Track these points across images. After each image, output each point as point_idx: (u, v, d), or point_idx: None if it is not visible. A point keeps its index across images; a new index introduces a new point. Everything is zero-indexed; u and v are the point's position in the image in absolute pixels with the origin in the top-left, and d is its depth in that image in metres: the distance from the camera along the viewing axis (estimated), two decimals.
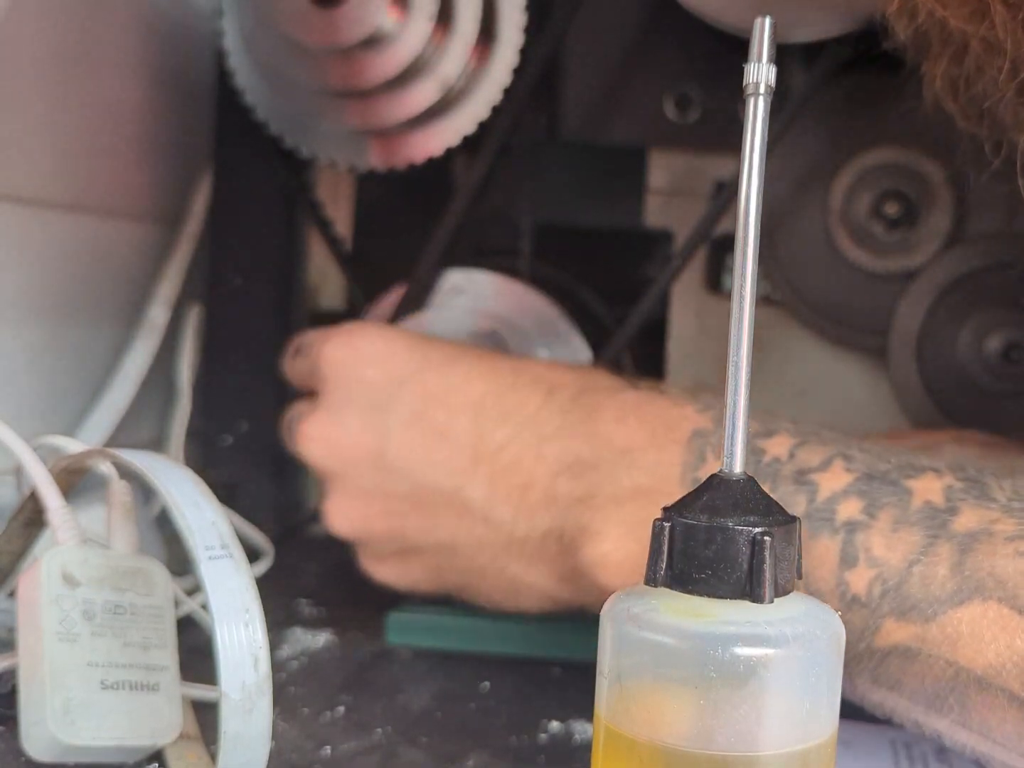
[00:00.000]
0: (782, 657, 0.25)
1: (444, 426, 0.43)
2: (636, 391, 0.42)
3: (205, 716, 0.38)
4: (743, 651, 0.25)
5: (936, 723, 0.35)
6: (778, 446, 0.38)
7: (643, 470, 0.39)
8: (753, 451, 0.37)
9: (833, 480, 0.36)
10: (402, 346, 0.45)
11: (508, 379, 0.43)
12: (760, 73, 0.26)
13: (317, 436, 0.44)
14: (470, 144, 0.53)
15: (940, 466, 0.36)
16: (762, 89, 0.26)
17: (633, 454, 0.40)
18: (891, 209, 0.55)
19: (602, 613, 0.27)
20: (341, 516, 0.45)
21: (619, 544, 0.39)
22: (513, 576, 0.43)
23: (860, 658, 0.35)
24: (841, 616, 0.33)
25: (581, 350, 0.55)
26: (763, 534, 0.25)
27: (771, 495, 0.34)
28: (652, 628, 0.25)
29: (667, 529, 0.26)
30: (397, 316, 0.54)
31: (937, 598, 0.33)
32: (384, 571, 0.46)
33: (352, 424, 0.44)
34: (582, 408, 0.42)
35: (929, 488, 0.35)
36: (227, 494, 0.59)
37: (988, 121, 0.38)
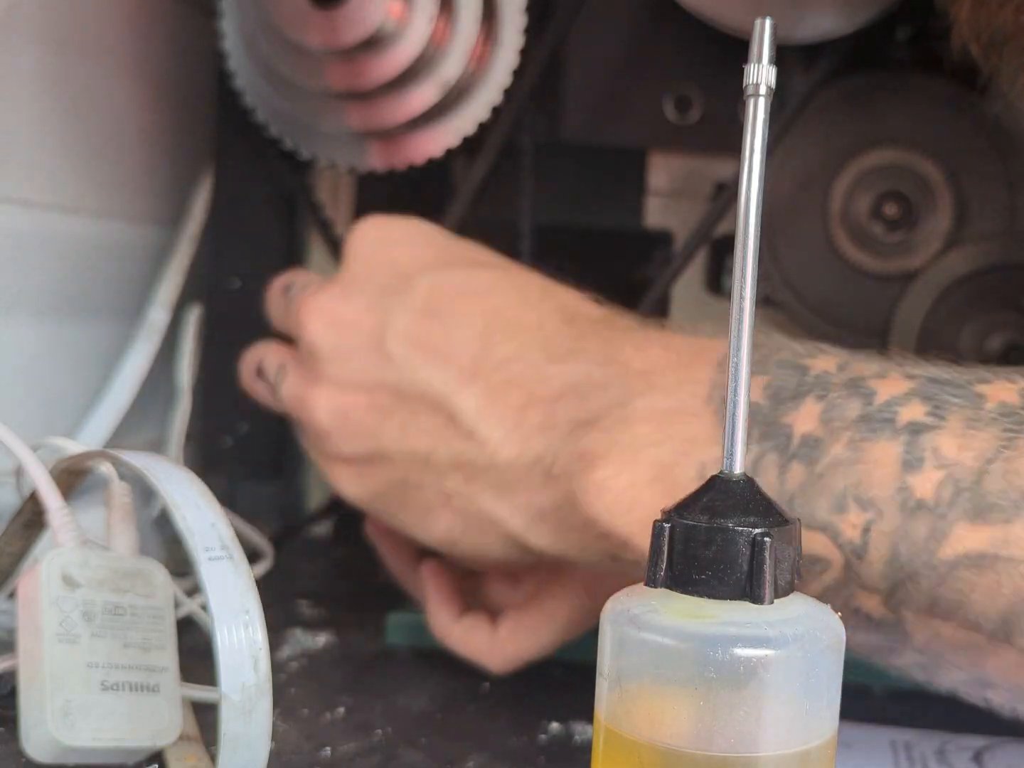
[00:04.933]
0: (782, 658, 0.25)
1: (452, 328, 0.40)
2: (659, 329, 0.39)
3: (205, 717, 0.38)
4: (743, 652, 0.25)
5: (998, 658, 0.31)
6: (824, 361, 0.35)
7: (662, 390, 0.36)
8: (796, 367, 0.35)
9: (892, 385, 0.33)
10: (439, 237, 0.43)
11: (532, 297, 0.40)
12: (760, 74, 0.26)
13: (322, 308, 0.41)
14: (470, 145, 0.53)
15: (1011, 373, 0.33)
16: (762, 90, 0.26)
17: (652, 376, 0.36)
18: (891, 210, 0.55)
19: (602, 614, 0.27)
20: (323, 399, 0.41)
21: (623, 469, 0.35)
22: (480, 508, 0.39)
23: (916, 577, 0.31)
24: (901, 525, 0.31)
25: None
26: (763, 535, 0.25)
27: (820, 403, 0.32)
28: (652, 629, 0.25)
29: (667, 530, 0.26)
30: None
31: (1022, 493, 0.30)
32: (341, 473, 0.42)
33: (361, 302, 0.41)
34: (601, 335, 0.39)
35: (1003, 390, 0.32)
36: (227, 495, 0.59)
37: (1007, 56, 0.38)
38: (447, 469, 0.39)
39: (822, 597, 0.33)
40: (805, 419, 0.33)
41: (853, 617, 0.33)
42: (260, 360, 0.46)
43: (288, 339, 0.45)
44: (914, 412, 0.32)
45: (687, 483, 0.32)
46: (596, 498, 0.35)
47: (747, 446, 0.32)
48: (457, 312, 0.40)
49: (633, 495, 0.35)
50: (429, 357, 0.40)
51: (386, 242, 0.43)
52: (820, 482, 0.33)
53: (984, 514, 0.30)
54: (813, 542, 0.32)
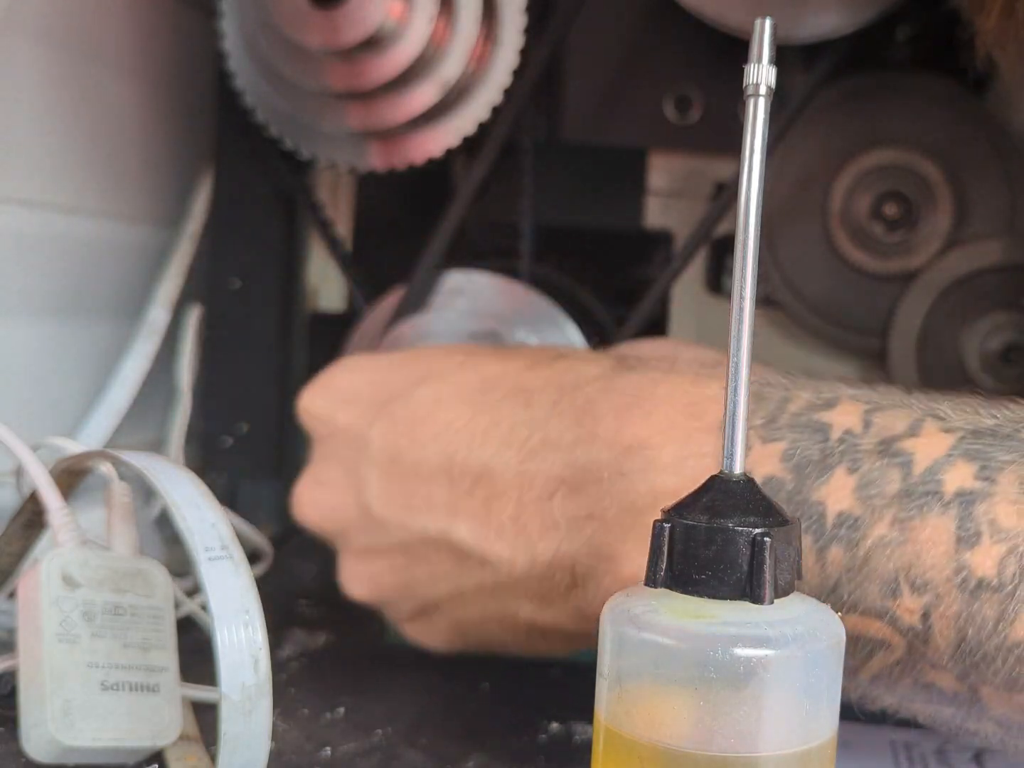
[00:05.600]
0: (782, 658, 0.25)
1: (417, 464, 0.38)
2: (634, 374, 0.36)
3: (205, 717, 0.38)
4: (743, 652, 0.25)
5: None
6: (846, 415, 0.31)
7: (663, 470, 0.33)
8: (815, 427, 0.32)
9: (930, 445, 0.30)
10: (367, 379, 0.42)
11: (477, 397, 0.38)
12: (760, 74, 0.26)
13: (307, 501, 0.42)
14: (470, 145, 0.53)
15: None
16: (762, 90, 0.26)
17: (646, 451, 0.33)
18: (891, 210, 0.55)
19: (602, 614, 0.27)
20: (353, 580, 0.41)
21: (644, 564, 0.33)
22: (529, 620, 0.38)
23: (990, 659, 0.29)
24: (964, 608, 0.29)
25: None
26: (763, 535, 0.25)
27: (853, 476, 0.29)
28: (652, 629, 0.25)
29: (667, 530, 0.26)
30: (396, 317, 0.54)
31: None
32: (416, 632, 0.42)
33: (336, 482, 0.41)
34: (569, 410, 0.36)
35: None
36: (227, 495, 0.59)
37: None
38: (483, 598, 0.38)
39: (888, 676, 0.31)
40: (838, 495, 0.31)
41: (924, 692, 0.31)
42: None
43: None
44: (961, 477, 0.29)
45: None
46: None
47: None
48: (415, 447, 0.38)
49: None
50: (411, 505, 0.38)
51: (330, 409, 0.42)
52: (867, 566, 0.30)
53: None
54: (870, 627, 0.30)
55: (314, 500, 0.41)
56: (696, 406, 0.34)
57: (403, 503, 0.39)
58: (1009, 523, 0.29)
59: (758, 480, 0.30)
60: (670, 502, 0.31)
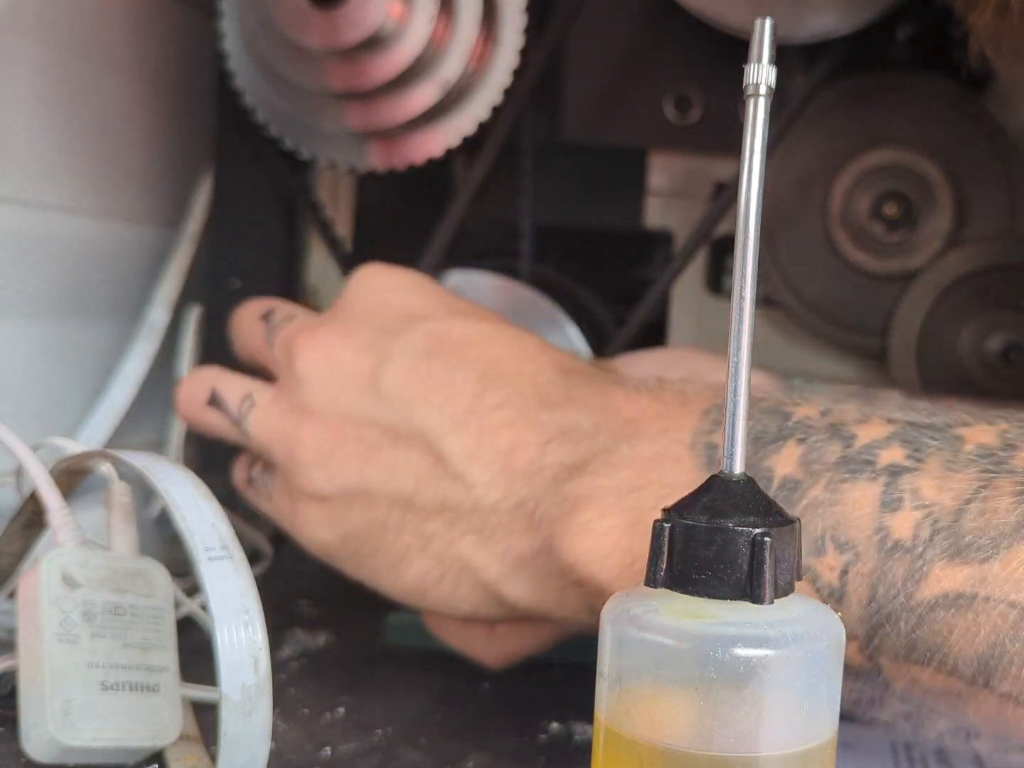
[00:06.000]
0: (782, 658, 0.25)
1: (450, 372, 0.39)
2: (663, 383, 0.39)
3: (205, 717, 0.38)
4: (743, 652, 0.25)
5: (978, 704, 0.31)
6: (808, 409, 0.35)
7: (647, 437, 0.36)
8: (780, 413, 0.35)
9: (873, 429, 0.33)
10: (439, 290, 0.43)
11: (530, 350, 0.40)
12: (760, 74, 0.26)
13: (319, 343, 0.41)
14: (470, 145, 0.53)
15: (993, 416, 0.33)
16: (762, 90, 0.26)
17: (639, 423, 0.37)
18: (891, 210, 0.55)
19: (602, 614, 0.27)
20: (308, 430, 0.40)
21: (604, 514, 0.35)
22: (459, 553, 0.39)
23: (894, 619, 0.31)
24: (878, 566, 0.31)
25: (582, 351, 0.55)
26: (763, 535, 0.25)
27: (801, 446, 0.32)
28: (652, 629, 0.25)
29: (667, 530, 0.26)
30: None
31: (1000, 532, 0.30)
32: (312, 514, 0.41)
33: (359, 341, 0.41)
34: (594, 385, 0.39)
35: (982, 432, 0.32)
36: (227, 495, 0.59)
37: None
38: (430, 511, 0.39)
39: None
40: (785, 462, 0.33)
41: None
42: (212, 388, 0.44)
43: (243, 367, 0.44)
44: (893, 455, 0.32)
45: None
46: (575, 542, 0.35)
47: None
48: (455, 358, 0.40)
49: (612, 540, 0.35)
50: (424, 398, 0.39)
51: (387, 288, 0.42)
52: None
53: (962, 553, 0.30)
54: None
55: (326, 343, 0.41)
56: (693, 400, 0.37)
57: (416, 393, 0.39)
58: (929, 494, 0.31)
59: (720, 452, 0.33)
60: (643, 466, 0.35)
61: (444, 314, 0.41)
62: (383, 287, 0.43)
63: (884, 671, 0.32)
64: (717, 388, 0.37)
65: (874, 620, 0.31)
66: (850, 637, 0.32)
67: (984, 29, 0.39)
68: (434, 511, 0.39)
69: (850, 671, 0.33)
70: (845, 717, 0.27)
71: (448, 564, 0.39)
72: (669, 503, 0.33)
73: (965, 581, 0.30)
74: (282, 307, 0.45)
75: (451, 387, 0.39)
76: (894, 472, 0.32)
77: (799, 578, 0.27)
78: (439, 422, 0.39)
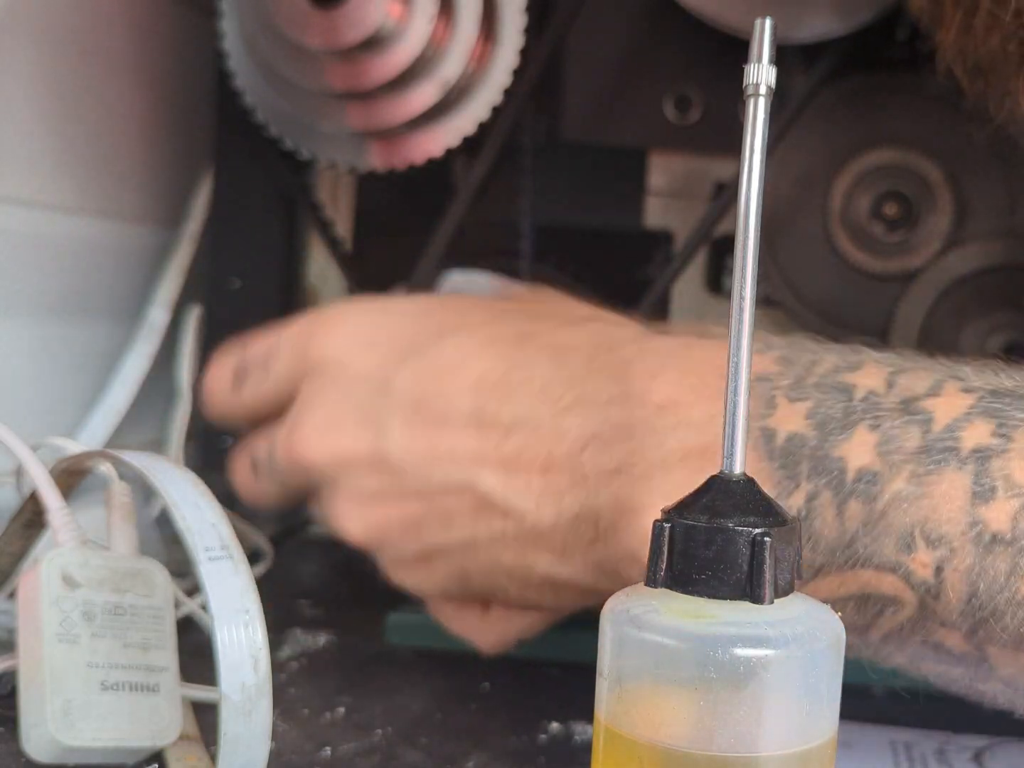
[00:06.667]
0: (782, 658, 0.25)
1: (444, 413, 0.38)
2: (669, 337, 0.37)
3: (205, 717, 0.38)
4: (743, 652, 0.25)
5: None
6: (870, 377, 0.32)
7: (693, 427, 0.34)
8: (840, 388, 0.32)
9: (950, 405, 0.31)
10: (386, 322, 0.41)
11: (511, 351, 0.38)
12: (760, 74, 0.26)
13: (316, 443, 0.40)
14: (470, 145, 0.53)
15: None
16: (762, 90, 0.26)
17: (678, 409, 0.34)
18: (891, 210, 0.55)
19: (602, 614, 0.27)
20: (352, 522, 0.40)
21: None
22: (545, 573, 0.38)
23: (999, 615, 0.30)
24: (977, 562, 0.29)
25: None
26: (763, 535, 0.25)
27: (874, 433, 0.30)
28: (652, 629, 0.25)
29: (667, 530, 0.26)
30: None
31: None
32: (408, 577, 0.41)
33: (348, 424, 0.39)
34: (604, 369, 0.36)
35: None
36: (227, 495, 0.59)
37: (993, 82, 0.38)
38: (498, 549, 0.38)
39: (898, 634, 0.32)
40: (859, 451, 0.31)
41: (933, 652, 0.32)
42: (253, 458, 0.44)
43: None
44: (979, 435, 0.30)
45: None
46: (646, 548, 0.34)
47: (797, 483, 0.31)
48: (443, 396, 0.38)
49: None
50: (435, 453, 0.38)
51: (347, 351, 0.41)
52: (883, 520, 0.31)
53: None
54: (882, 583, 0.31)
55: (320, 441, 0.40)
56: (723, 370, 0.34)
57: (426, 452, 0.38)
58: (1023, 479, 0.29)
59: (783, 436, 0.32)
60: (697, 460, 0.33)
61: (410, 352, 0.39)
62: (340, 353, 0.40)
63: (989, 658, 0.31)
64: (764, 337, 0.35)
65: (978, 615, 0.30)
66: (952, 627, 0.31)
67: (950, 47, 0.38)
68: (502, 546, 0.38)
69: (952, 656, 0.32)
70: (845, 716, 0.27)
71: (541, 582, 0.38)
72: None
73: None
74: (250, 357, 0.43)
75: (453, 430, 0.38)
76: (982, 457, 0.30)
77: (799, 578, 0.27)
78: (460, 469, 0.38)
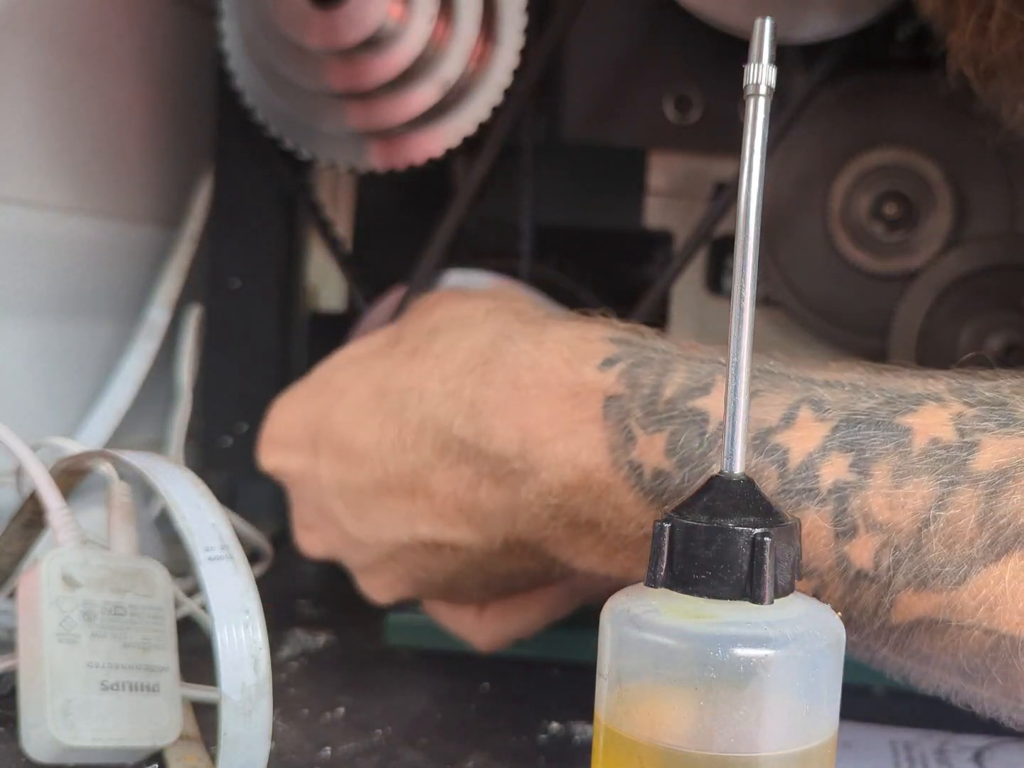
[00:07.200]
0: (782, 658, 0.25)
1: (361, 489, 0.40)
2: (512, 349, 0.36)
3: (205, 717, 0.38)
4: (743, 652, 0.25)
5: (976, 691, 0.30)
6: (720, 402, 0.30)
7: (562, 464, 0.34)
8: (692, 418, 0.32)
9: (805, 438, 0.30)
10: (295, 417, 0.44)
11: (376, 405, 0.40)
12: (760, 74, 0.26)
13: (305, 543, 0.44)
14: (470, 145, 0.53)
15: (940, 391, 0.30)
16: (762, 90, 0.26)
17: (543, 447, 0.34)
18: (891, 210, 0.55)
19: (602, 614, 0.27)
20: (373, 590, 0.43)
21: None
22: (520, 567, 0.38)
23: (877, 634, 0.30)
24: (846, 594, 0.30)
25: None
26: (763, 535, 0.25)
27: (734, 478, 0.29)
28: (652, 629, 0.25)
29: (667, 530, 0.26)
30: (396, 317, 0.54)
31: (966, 557, 0.28)
32: (377, 589, 0.43)
33: (315, 521, 0.43)
34: (464, 402, 0.37)
35: (932, 422, 0.29)
36: (227, 495, 0.59)
37: (1007, 85, 0.38)
38: (473, 569, 0.39)
39: None
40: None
41: None
42: None
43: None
44: (836, 469, 0.29)
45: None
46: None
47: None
48: (352, 473, 0.40)
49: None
50: (377, 524, 0.40)
51: (281, 462, 0.44)
52: None
53: (928, 581, 0.28)
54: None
55: (309, 542, 0.44)
56: (577, 397, 0.34)
57: (370, 524, 0.40)
58: (883, 516, 0.29)
59: (649, 473, 0.32)
60: (578, 496, 0.34)
61: (313, 441, 0.42)
62: (278, 464, 0.44)
63: (877, 657, 0.32)
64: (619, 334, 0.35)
65: (856, 636, 0.31)
66: None
67: (962, 49, 0.38)
68: (474, 566, 0.39)
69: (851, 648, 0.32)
70: (845, 716, 0.27)
71: (512, 576, 0.40)
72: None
73: (936, 609, 0.29)
74: None
75: (376, 501, 0.40)
76: (841, 495, 0.29)
77: (799, 578, 0.27)
78: (400, 530, 0.39)
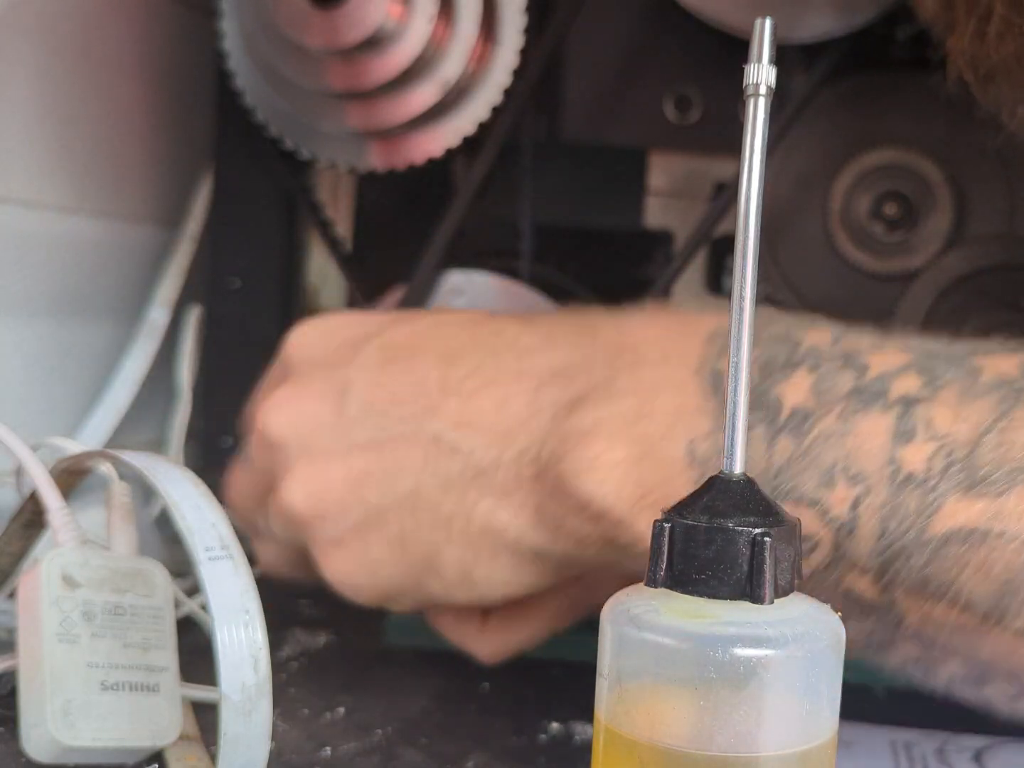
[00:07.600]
0: (782, 658, 0.25)
1: (410, 364, 0.38)
2: (638, 312, 0.38)
3: (205, 717, 0.38)
4: (743, 652, 0.25)
5: (992, 641, 0.30)
6: (818, 336, 0.34)
7: (649, 364, 0.34)
8: (787, 340, 0.34)
9: (886, 358, 0.32)
10: (370, 317, 0.43)
11: (480, 319, 0.40)
12: (760, 74, 0.26)
13: (280, 405, 0.40)
14: (470, 145, 0.53)
15: (1014, 346, 0.32)
16: (762, 90, 0.26)
17: (637, 349, 0.35)
18: (891, 210, 0.55)
19: (602, 614, 0.27)
20: (297, 488, 0.39)
21: (610, 446, 0.33)
22: (483, 522, 0.37)
23: (907, 553, 0.30)
24: (890, 499, 0.30)
25: None
26: (763, 535, 0.25)
27: (812, 375, 0.32)
28: (652, 629, 0.25)
29: (667, 530, 0.26)
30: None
31: (1017, 465, 0.29)
32: (341, 562, 0.39)
33: (315, 386, 0.40)
34: (573, 324, 0.38)
35: (1001, 363, 0.31)
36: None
37: (1006, 90, 0.38)
38: (439, 495, 0.37)
39: (811, 579, 0.32)
40: (795, 391, 0.33)
41: (844, 602, 0.33)
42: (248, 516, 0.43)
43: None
44: (907, 385, 0.31)
45: (675, 460, 0.33)
46: (587, 478, 0.34)
47: None
48: (409, 352, 0.39)
49: (622, 472, 0.33)
50: (393, 400, 0.38)
51: (323, 333, 0.41)
52: (808, 456, 0.32)
53: (976, 487, 0.29)
54: (800, 519, 0.31)
55: (285, 402, 0.40)
56: (694, 324, 0.36)
57: (386, 396, 0.38)
58: (943, 426, 0.30)
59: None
60: (648, 393, 0.34)
61: (386, 328, 0.40)
62: (318, 334, 0.42)
63: (897, 605, 0.32)
64: (721, 314, 0.35)
65: (886, 554, 0.31)
66: (863, 570, 0.32)
67: (962, 53, 0.38)
68: (442, 492, 0.37)
69: (862, 605, 0.32)
70: (845, 716, 0.27)
71: (475, 539, 0.37)
72: (675, 430, 0.33)
73: (979, 515, 0.29)
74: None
75: (415, 379, 0.38)
76: (908, 402, 0.31)
77: (799, 578, 0.27)
78: (414, 413, 0.37)
